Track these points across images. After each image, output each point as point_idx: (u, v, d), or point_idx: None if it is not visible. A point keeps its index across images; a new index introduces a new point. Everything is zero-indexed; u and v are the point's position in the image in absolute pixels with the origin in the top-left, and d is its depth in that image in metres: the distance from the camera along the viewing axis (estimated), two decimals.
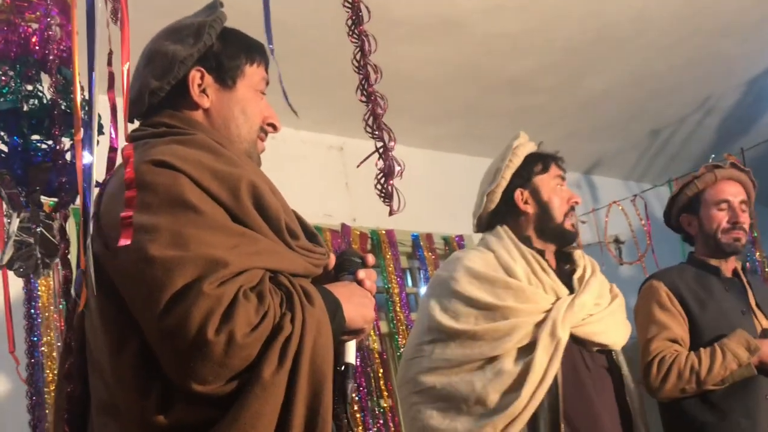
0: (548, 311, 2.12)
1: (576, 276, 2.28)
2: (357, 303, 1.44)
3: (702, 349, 2.55)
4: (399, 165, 1.88)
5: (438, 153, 4.86)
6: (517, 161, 2.36)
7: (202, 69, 1.51)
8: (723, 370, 2.48)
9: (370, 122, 1.80)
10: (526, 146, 2.39)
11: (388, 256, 4.17)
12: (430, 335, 2.19)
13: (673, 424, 2.69)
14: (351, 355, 1.43)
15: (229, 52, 1.54)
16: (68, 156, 1.88)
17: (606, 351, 2.23)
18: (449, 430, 2.02)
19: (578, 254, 2.37)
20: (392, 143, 1.82)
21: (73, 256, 1.84)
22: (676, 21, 3.93)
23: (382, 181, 1.91)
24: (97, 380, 1.34)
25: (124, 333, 1.26)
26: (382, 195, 1.94)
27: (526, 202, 2.34)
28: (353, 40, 1.87)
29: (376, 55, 1.97)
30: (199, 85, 1.50)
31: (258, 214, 1.34)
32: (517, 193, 2.34)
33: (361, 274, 1.52)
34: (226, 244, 1.23)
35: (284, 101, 1.70)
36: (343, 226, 4.07)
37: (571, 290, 2.23)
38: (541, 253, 2.29)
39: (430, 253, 4.41)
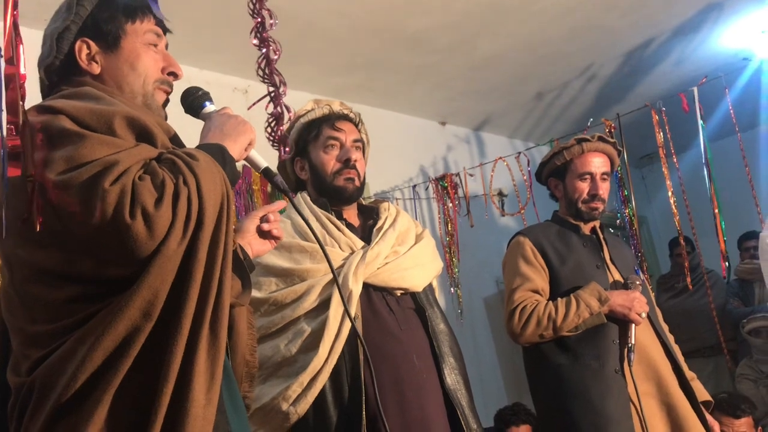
0: (341, 267, 2.10)
1: (375, 228, 2.26)
2: (232, 132, 1.48)
3: (559, 299, 2.64)
4: (288, 111, 1.84)
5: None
6: (295, 134, 2.30)
7: (87, 39, 1.50)
8: (577, 318, 2.58)
9: (263, 66, 1.76)
10: (308, 115, 2.32)
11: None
12: None
13: (533, 366, 2.79)
14: (261, 159, 1.58)
15: (106, 16, 1.52)
16: None
17: (411, 293, 2.22)
18: (264, 396, 2.00)
19: (384, 206, 2.35)
20: (283, 88, 1.78)
21: None
22: None
23: (273, 125, 1.88)
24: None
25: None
26: (272, 138, 1.91)
27: (302, 169, 2.30)
28: None
29: (284, 3, 1.91)
30: (88, 54, 1.51)
31: (136, 139, 1.36)
32: (296, 162, 2.31)
33: (210, 105, 1.59)
34: (111, 152, 1.26)
35: (189, 40, 1.63)
36: (245, 167, 4.00)
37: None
38: (339, 212, 2.26)
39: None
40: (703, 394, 2.75)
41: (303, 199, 2.25)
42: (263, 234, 1.69)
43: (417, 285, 2.22)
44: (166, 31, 1.61)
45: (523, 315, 2.64)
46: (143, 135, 1.36)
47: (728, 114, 4.34)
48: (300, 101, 1.87)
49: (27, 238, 1.28)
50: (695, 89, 4.08)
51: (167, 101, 1.59)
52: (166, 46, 1.61)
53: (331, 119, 2.29)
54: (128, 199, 1.19)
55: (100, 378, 1.19)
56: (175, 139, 1.49)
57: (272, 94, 1.65)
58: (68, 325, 1.24)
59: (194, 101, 1.61)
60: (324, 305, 2.06)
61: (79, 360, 1.19)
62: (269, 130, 1.81)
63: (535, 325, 2.61)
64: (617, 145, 2.92)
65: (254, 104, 1.69)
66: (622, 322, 2.61)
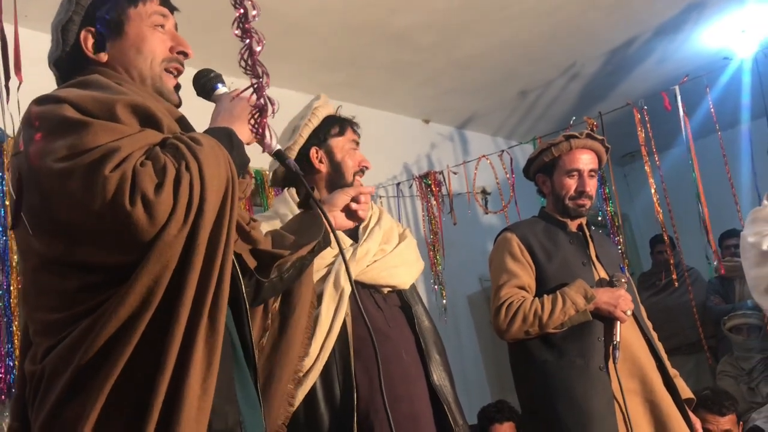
0: (331, 264, 2.12)
1: (362, 226, 2.28)
2: (242, 114, 1.47)
3: (545, 296, 2.63)
4: (272, 103, 1.81)
5: None
6: (315, 121, 2.30)
7: (92, 28, 1.49)
8: (562, 315, 2.56)
9: (245, 57, 1.72)
10: (325, 108, 2.35)
11: (271, 196, 4.09)
12: None
13: (518, 362, 2.78)
14: (275, 142, 1.55)
15: (107, 4, 1.50)
16: None
17: (397, 291, 2.25)
18: None
19: None
20: (266, 79, 1.74)
21: None
22: None
23: (256, 117, 1.85)
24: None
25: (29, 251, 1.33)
26: (255, 131, 1.88)
27: (320, 161, 2.30)
28: None
29: (269, 1, 1.88)
30: (94, 44, 1.50)
31: (140, 125, 1.34)
32: (312, 151, 2.29)
33: (222, 87, 1.57)
34: (114, 138, 1.24)
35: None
36: None
37: (359, 240, 2.24)
38: None
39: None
40: (685, 391, 2.75)
41: (290, 195, 2.24)
42: (350, 213, 1.77)
43: (404, 282, 2.25)
44: (173, 10, 1.59)
45: (510, 311, 2.62)
46: (148, 120, 1.34)
47: (709, 113, 4.35)
48: (283, 98, 1.83)
49: (35, 229, 1.28)
50: (677, 88, 4.09)
51: (179, 86, 1.56)
52: (176, 27, 1.59)
53: (352, 123, 2.35)
54: (128, 185, 1.17)
55: (102, 366, 1.18)
56: (182, 122, 1.47)
57: (255, 86, 1.61)
58: (77, 313, 1.23)
59: (206, 83, 1.58)
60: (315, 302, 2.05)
61: (84, 348, 1.19)
62: (252, 122, 1.77)
63: (521, 321, 2.60)
64: (605, 143, 2.91)
65: (237, 95, 1.65)
66: (607, 319, 2.61)
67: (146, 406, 1.16)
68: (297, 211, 2.16)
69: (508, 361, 2.85)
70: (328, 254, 2.10)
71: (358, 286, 2.13)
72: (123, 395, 1.18)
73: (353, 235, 2.25)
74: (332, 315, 2.04)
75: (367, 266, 2.16)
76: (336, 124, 2.31)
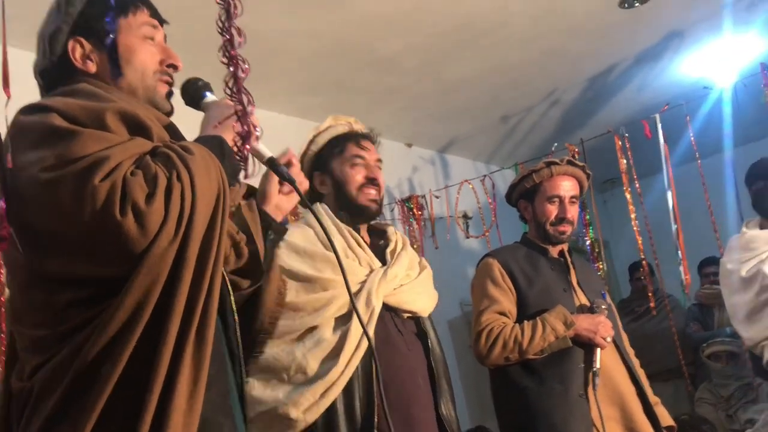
0: (363, 282, 2.13)
1: (389, 249, 2.30)
2: (230, 125, 1.46)
3: (525, 322, 2.63)
4: (256, 129, 1.80)
5: (307, 122, 4.78)
6: (315, 148, 2.33)
7: (81, 38, 1.46)
8: (542, 341, 2.57)
9: (230, 84, 1.72)
10: (330, 131, 2.36)
11: None
12: None
13: (498, 388, 2.78)
14: (265, 149, 1.54)
15: (96, 13, 1.47)
16: None
17: (415, 318, 2.26)
18: (271, 399, 1.98)
19: (391, 230, 2.41)
20: (251, 107, 1.74)
21: None
22: (532, 19, 4.02)
23: (239, 144, 1.84)
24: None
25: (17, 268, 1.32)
26: (238, 157, 1.88)
27: (322, 184, 2.31)
28: (219, 1, 1.77)
29: (253, 23, 1.88)
30: (82, 53, 1.46)
31: (129, 134, 1.32)
32: (315, 176, 2.32)
33: (211, 95, 1.56)
34: (103, 147, 1.22)
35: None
36: None
37: (384, 263, 2.26)
38: (357, 229, 2.29)
39: (293, 217, 4.32)
40: (666, 419, 2.75)
41: (324, 209, 2.25)
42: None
43: (425, 310, 2.28)
44: (162, 22, 1.58)
45: (490, 337, 2.62)
46: (137, 128, 1.32)
47: (690, 140, 4.39)
48: (265, 120, 1.84)
49: (24, 243, 1.25)
50: (657, 116, 4.13)
51: (171, 93, 1.55)
52: (165, 39, 1.57)
53: (356, 137, 2.34)
54: (118, 195, 1.15)
55: (95, 382, 1.16)
56: (171, 129, 1.46)
57: (239, 113, 1.61)
58: (66, 330, 1.21)
59: (195, 93, 1.58)
60: (345, 318, 2.07)
61: (75, 367, 1.17)
62: (235, 149, 1.77)
63: (501, 347, 2.60)
64: (586, 169, 2.93)
65: (221, 122, 1.64)
66: (587, 346, 2.60)
67: (135, 425, 1.14)
68: (329, 224, 2.19)
69: (489, 386, 2.84)
70: (360, 272, 2.15)
71: (383, 308, 2.13)
72: (113, 414, 1.15)
73: (379, 257, 2.26)
74: (361, 333, 2.04)
75: (394, 289, 2.17)
76: (338, 144, 2.32)
